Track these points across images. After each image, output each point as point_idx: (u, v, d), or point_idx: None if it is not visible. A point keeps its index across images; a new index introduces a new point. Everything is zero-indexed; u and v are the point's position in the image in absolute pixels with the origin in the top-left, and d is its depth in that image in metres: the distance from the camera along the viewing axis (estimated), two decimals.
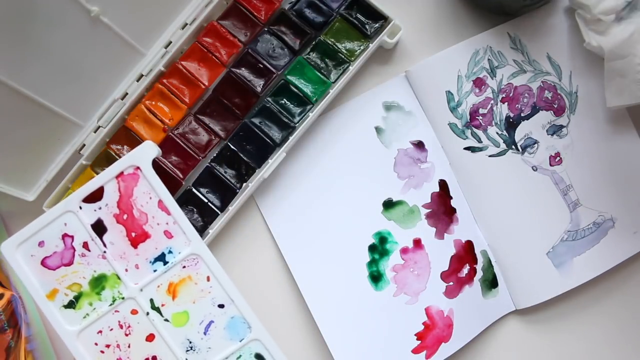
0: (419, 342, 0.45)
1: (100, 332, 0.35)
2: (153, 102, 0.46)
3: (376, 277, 0.46)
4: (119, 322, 0.35)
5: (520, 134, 0.47)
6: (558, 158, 0.47)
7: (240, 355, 0.36)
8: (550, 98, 0.47)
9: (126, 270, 0.35)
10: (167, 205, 0.35)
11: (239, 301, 0.36)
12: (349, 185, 0.47)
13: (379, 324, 0.45)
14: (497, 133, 0.47)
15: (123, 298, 0.35)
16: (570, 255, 0.46)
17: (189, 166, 0.46)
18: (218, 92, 0.46)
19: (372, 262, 0.46)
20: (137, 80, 0.46)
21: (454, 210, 0.47)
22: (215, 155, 0.46)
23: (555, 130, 0.47)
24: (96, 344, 0.35)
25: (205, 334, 0.35)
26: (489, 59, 0.47)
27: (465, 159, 0.47)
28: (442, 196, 0.47)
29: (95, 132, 0.46)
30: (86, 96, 0.45)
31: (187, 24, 0.46)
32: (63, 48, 0.40)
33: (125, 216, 0.35)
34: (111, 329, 0.35)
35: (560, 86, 0.47)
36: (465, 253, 0.47)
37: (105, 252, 0.35)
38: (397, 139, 0.47)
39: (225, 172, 0.46)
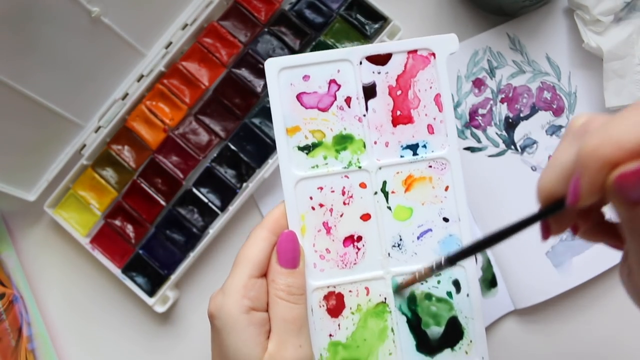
0: None
1: (321, 188, 0.33)
2: (153, 103, 0.47)
3: None
4: (344, 188, 0.33)
5: (519, 134, 0.47)
6: None
7: (440, 274, 0.34)
8: (549, 98, 0.47)
9: (375, 142, 0.34)
10: (444, 102, 0.34)
11: (465, 223, 0.34)
12: None
13: None
14: (496, 133, 0.47)
15: (360, 167, 0.33)
16: (569, 255, 0.46)
17: (189, 166, 0.46)
18: (218, 92, 0.47)
19: None
20: (138, 81, 0.46)
21: None
22: (215, 155, 0.46)
23: (554, 130, 0.47)
24: (311, 198, 0.33)
25: (418, 238, 0.34)
26: (488, 60, 0.47)
27: (464, 159, 0.47)
28: None
29: (96, 132, 0.46)
30: (87, 96, 0.45)
31: (187, 25, 0.46)
32: (64, 48, 0.40)
33: (399, 92, 0.34)
34: (332, 191, 0.33)
35: (559, 86, 0.47)
36: None
37: (364, 115, 0.34)
38: None
39: (225, 172, 0.46)
